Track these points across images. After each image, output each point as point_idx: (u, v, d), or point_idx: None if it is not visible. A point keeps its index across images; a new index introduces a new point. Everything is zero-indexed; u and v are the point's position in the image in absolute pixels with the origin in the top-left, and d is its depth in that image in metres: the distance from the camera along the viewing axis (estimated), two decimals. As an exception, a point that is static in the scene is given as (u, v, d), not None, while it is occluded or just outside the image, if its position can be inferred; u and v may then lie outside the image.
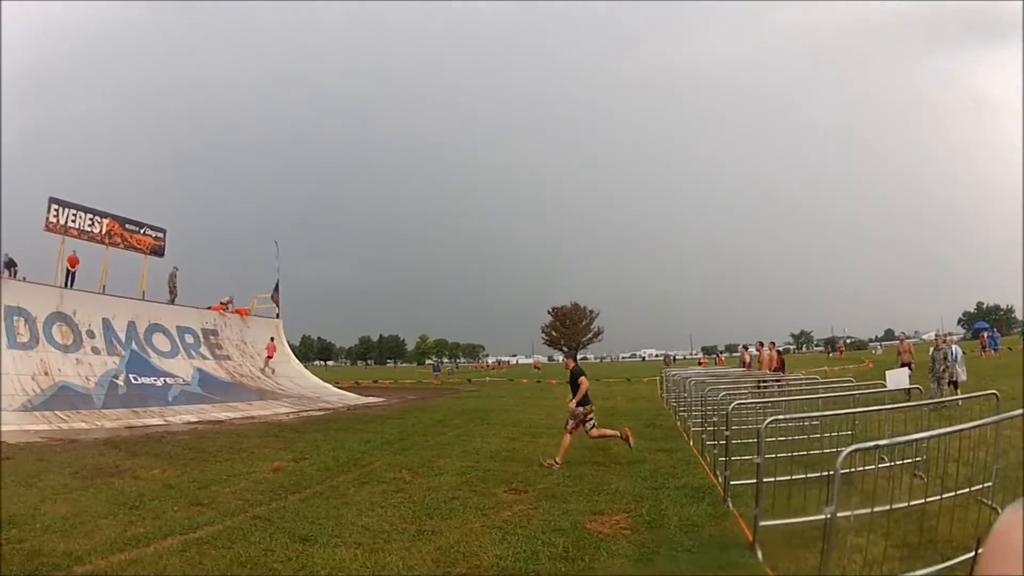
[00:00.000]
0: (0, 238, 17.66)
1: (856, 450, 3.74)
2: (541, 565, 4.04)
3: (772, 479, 4.72)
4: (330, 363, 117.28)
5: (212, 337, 20.03)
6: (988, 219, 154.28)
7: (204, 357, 18.88)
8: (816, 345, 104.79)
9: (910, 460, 5.58)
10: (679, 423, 11.15)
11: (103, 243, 18.42)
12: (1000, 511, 0.66)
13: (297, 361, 24.64)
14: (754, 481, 4.35)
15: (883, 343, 74.40)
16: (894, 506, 3.97)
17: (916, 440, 4.71)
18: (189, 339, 18.99)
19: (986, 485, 4.42)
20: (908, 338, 15.91)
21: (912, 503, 4.20)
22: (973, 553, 3.20)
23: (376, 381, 36.58)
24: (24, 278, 15.97)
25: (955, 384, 11.59)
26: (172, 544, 4.53)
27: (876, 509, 3.69)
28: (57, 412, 12.31)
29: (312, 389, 21.30)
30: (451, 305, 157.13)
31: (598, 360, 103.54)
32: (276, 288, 24.65)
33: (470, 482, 6.59)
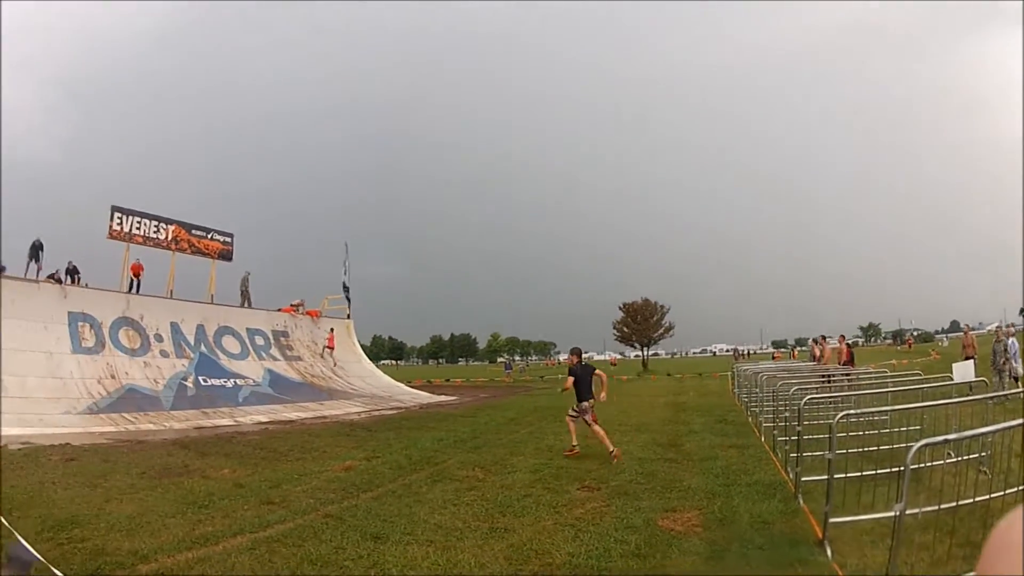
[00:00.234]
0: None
1: (925, 445, 3.69)
2: (613, 562, 4.04)
3: (842, 475, 4.68)
4: (401, 362, 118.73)
5: (283, 339, 20.31)
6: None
7: (275, 358, 19.15)
8: (884, 338, 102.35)
9: (975, 455, 5.43)
10: (750, 419, 11.00)
11: (169, 248, 18.82)
12: None
13: (368, 361, 24.76)
14: (824, 477, 4.36)
15: (949, 335, 72.03)
16: (960, 503, 3.91)
17: (982, 434, 4.54)
18: (259, 341, 19.23)
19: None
20: (972, 330, 15.46)
21: (977, 499, 4.07)
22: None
23: (448, 380, 36.53)
24: (87, 284, 16.34)
25: (1016, 378, 11.30)
26: (241, 542, 4.49)
27: (943, 506, 3.65)
28: (124, 414, 12.41)
29: (384, 388, 21.39)
30: (522, 303, 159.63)
31: (669, 356, 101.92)
32: (345, 288, 24.85)
33: (543, 479, 6.60)
